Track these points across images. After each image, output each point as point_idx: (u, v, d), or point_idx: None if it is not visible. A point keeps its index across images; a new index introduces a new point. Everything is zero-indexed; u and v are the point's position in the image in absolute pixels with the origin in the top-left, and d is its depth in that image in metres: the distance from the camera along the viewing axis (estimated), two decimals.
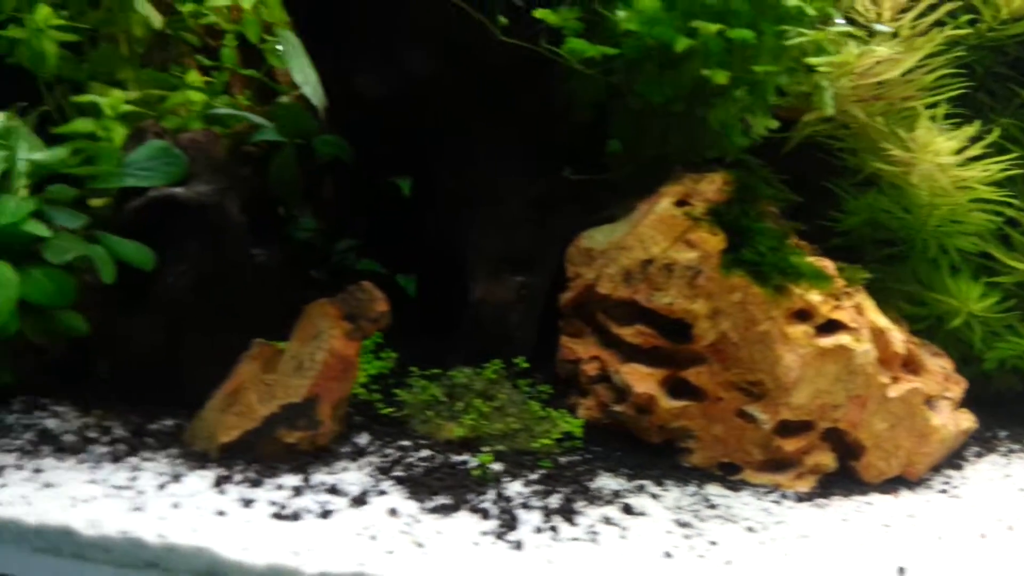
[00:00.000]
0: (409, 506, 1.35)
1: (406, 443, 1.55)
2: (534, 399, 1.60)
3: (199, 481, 1.41)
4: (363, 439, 1.56)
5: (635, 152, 1.69)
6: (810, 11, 1.47)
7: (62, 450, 1.49)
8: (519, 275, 1.62)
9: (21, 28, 1.81)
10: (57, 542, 1.27)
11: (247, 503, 1.34)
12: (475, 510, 1.36)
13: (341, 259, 1.82)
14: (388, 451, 1.52)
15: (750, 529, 1.40)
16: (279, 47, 2.05)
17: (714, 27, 1.39)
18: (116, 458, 1.47)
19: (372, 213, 1.79)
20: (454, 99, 1.62)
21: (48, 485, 1.38)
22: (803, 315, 1.50)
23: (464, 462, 1.50)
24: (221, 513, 1.31)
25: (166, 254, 1.64)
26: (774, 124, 1.71)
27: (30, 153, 1.60)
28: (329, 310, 1.49)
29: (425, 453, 1.52)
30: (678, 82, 1.55)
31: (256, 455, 1.48)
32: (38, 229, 1.49)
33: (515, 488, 1.43)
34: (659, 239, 1.50)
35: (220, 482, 1.40)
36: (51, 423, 1.59)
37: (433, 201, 1.69)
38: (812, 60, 1.52)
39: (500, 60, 1.54)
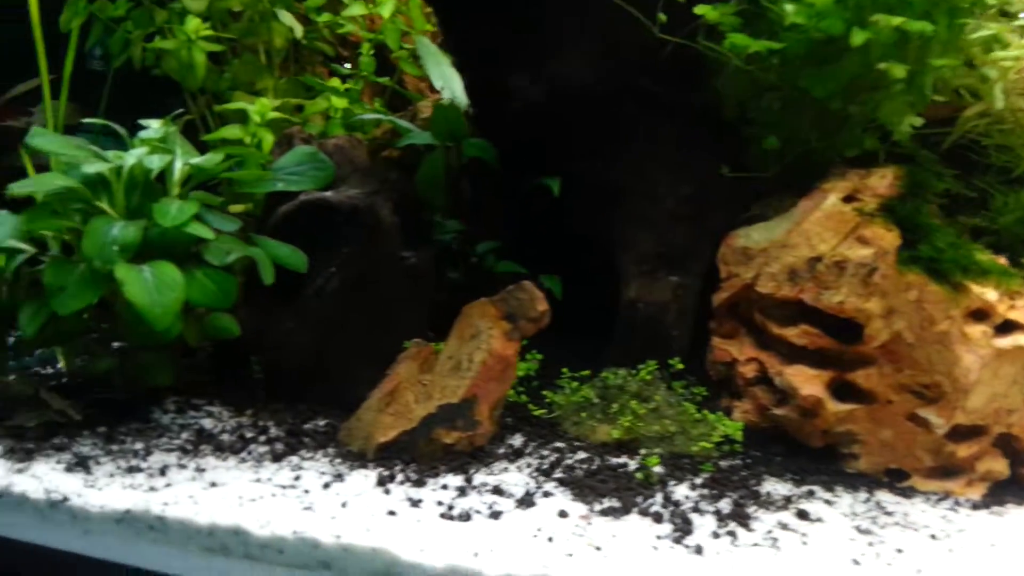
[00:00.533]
0: (578, 508, 1.29)
1: (560, 445, 1.50)
2: (688, 401, 1.53)
3: (363, 480, 1.37)
4: (517, 440, 1.51)
5: (782, 150, 1.62)
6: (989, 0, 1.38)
7: (221, 449, 1.47)
8: (674, 275, 1.55)
9: (171, 39, 1.82)
10: (228, 542, 1.24)
11: (415, 503, 1.30)
12: (645, 513, 1.29)
13: (480, 261, 1.77)
14: (544, 452, 1.47)
15: (933, 537, 1.30)
16: (410, 55, 2.03)
17: (895, 20, 1.31)
18: (276, 457, 1.44)
19: (513, 215, 1.75)
20: (609, 98, 1.57)
21: (213, 484, 1.36)
22: (980, 315, 1.40)
23: (623, 465, 1.43)
24: (392, 513, 1.27)
25: (316, 257, 1.62)
26: (919, 122, 1.63)
27: (187, 158, 1.59)
28: (489, 310, 1.44)
29: (582, 455, 1.46)
30: (839, 77, 1.48)
31: (413, 455, 1.43)
32: (202, 231, 1.47)
33: (682, 492, 1.36)
34: (827, 236, 1.42)
35: (383, 482, 1.36)
36: (207, 423, 1.57)
37: (579, 201, 1.64)
38: (997, 55, 1.43)
39: (657, 57, 1.49)
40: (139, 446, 1.48)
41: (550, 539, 1.20)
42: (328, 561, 1.20)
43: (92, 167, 1.47)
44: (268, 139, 1.74)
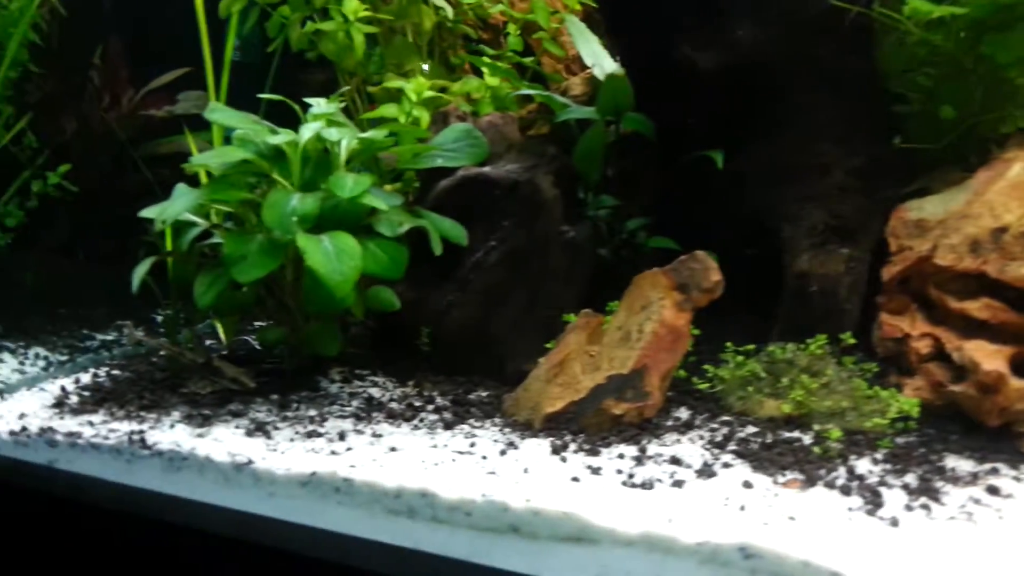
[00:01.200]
0: (761, 480, 1.24)
1: (728, 418, 1.45)
2: (859, 377, 1.46)
3: (537, 449, 1.34)
4: (683, 413, 1.47)
5: (951, 122, 1.54)
6: None
7: (393, 416, 1.46)
8: (845, 247, 1.49)
9: (330, 21, 1.82)
10: (415, 505, 1.23)
11: (595, 471, 1.27)
12: (830, 486, 1.23)
13: (629, 238, 1.73)
14: (714, 425, 1.42)
15: None
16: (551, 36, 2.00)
17: None
18: (447, 425, 1.43)
19: (666, 190, 1.70)
20: (779, 67, 1.52)
21: (393, 449, 1.35)
22: None
23: (797, 439, 1.38)
24: (575, 479, 1.24)
25: (474, 231, 1.61)
26: None
27: (352, 134, 1.59)
28: (660, 280, 1.40)
29: (752, 429, 1.41)
30: (1020, 44, 1.40)
31: (581, 426, 1.40)
32: (376, 202, 1.47)
33: (864, 466, 1.30)
34: (1012, 206, 1.34)
35: (557, 450, 1.33)
36: (374, 392, 1.57)
37: (739, 174, 1.59)
38: None
39: (829, 25, 1.43)
40: (312, 413, 1.48)
41: (742, 508, 1.16)
42: (517, 525, 1.18)
43: (275, 139, 1.48)
44: (425, 117, 1.73)
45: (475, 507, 1.20)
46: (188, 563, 1.38)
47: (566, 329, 1.46)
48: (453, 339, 1.62)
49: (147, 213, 1.62)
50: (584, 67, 2.00)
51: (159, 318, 2.38)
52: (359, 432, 1.41)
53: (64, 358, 1.96)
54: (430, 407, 1.49)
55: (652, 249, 1.72)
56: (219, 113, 1.59)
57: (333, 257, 1.41)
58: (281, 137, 1.49)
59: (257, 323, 1.94)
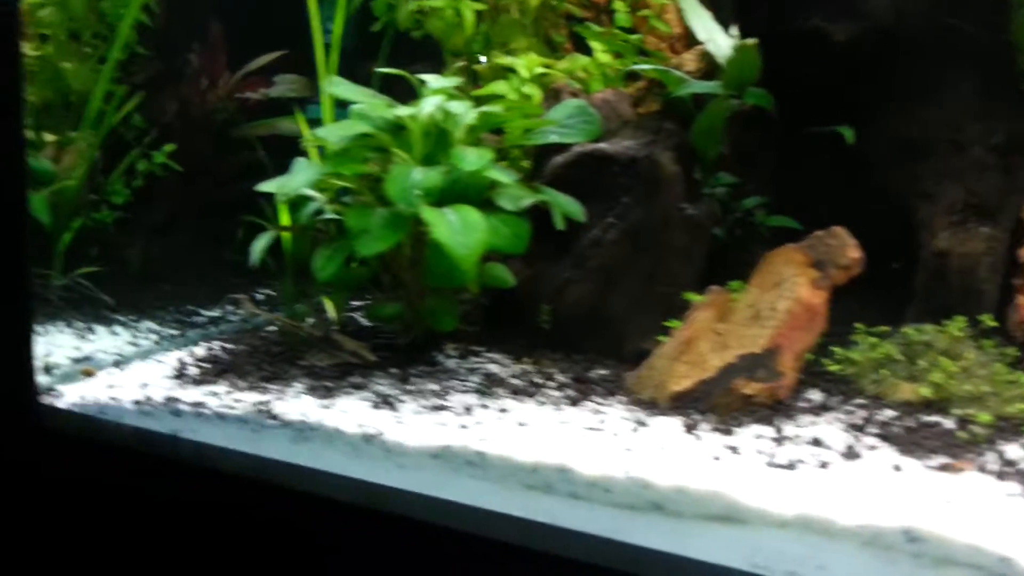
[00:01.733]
0: (910, 463, 1.18)
1: (862, 401, 1.38)
2: (998, 361, 1.39)
3: (669, 427, 1.29)
4: (815, 395, 1.40)
5: None
6: None
7: (517, 392, 1.42)
8: (985, 226, 1.41)
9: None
10: (552, 480, 1.19)
11: (733, 450, 1.21)
12: (982, 470, 1.17)
13: (745, 216, 1.67)
14: (849, 408, 1.35)
15: None
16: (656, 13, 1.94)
17: None
18: (573, 402, 1.38)
19: (786, 166, 1.64)
20: (915, 39, 1.44)
21: (522, 424, 1.31)
22: None
23: (937, 423, 1.31)
24: (716, 458, 1.19)
25: (591, 207, 1.56)
26: None
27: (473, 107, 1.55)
28: (795, 256, 1.34)
29: (890, 412, 1.33)
30: None
31: (709, 406, 1.35)
32: (500, 176, 1.42)
33: (1015, 451, 1.22)
34: None
35: (690, 429, 1.28)
36: (492, 368, 1.53)
37: (873, 150, 1.51)
38: None
39: None
40: (434, 387, 1.45)
41: (897, 491, 1.09)
42: (660, 502, 1.13)
43: (397, 113, 1.45)
44: (536, 94, 1.69)
45: (615, 484, 1.15)
46: (313, 531, 1.36)
47: (693, 306, 1.40)
48: (569, 316, 1.57)
49: (266, 187, 1.60)
50: (687, 45, 1.94)
51: (260, 296, 2.39)
52: (484, 407, 1.37)
53: (175, 332, 1.96)
54: (551, 383, 1.45)
55: (767, 228, 1.65)
56: (340, 87, 1.56)
57: (459, 230, 1.37)
58: (404, 110, 1.46)
59: (364, 300, 1.91)
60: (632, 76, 1.83)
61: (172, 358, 1.74)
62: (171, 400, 1.48)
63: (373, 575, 1.26)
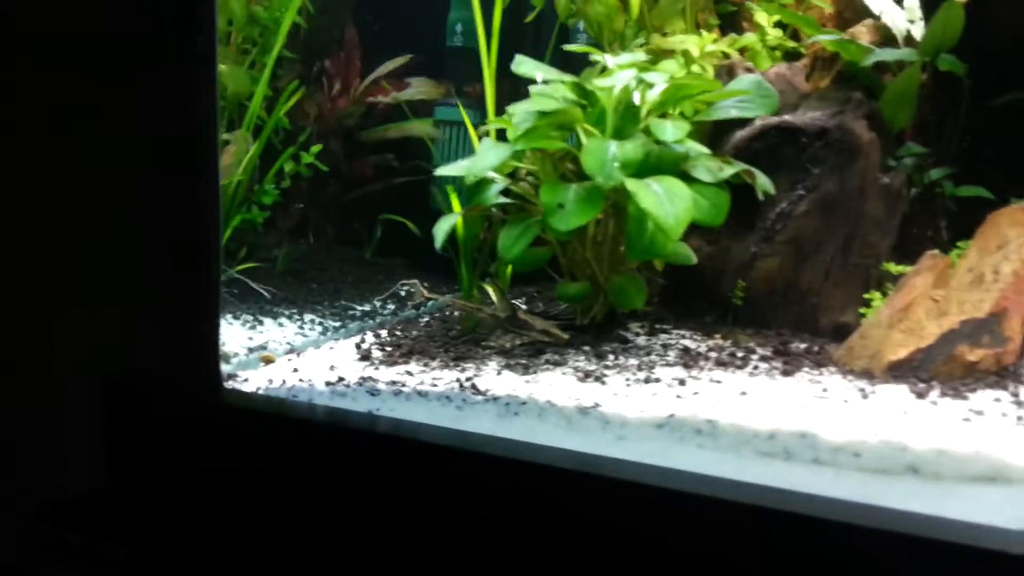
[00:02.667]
0: None
1: None
2: None
3: (897, 394, 1.22)
4: None
5: None
6: None
7: (723, 365, 1.36)
8: None
9: None
10: (791, 446, 1.12)
11: (978, 413, 1.13)
12: None
13: (931, 186, 1.58)
14: None
15: None
16: None
17: None
18: (786, 373, 1.31)
19: (976, 135, 1.55)
20: None
21: (743, 393, 1.25)
22: None
23: None
24: (965, 420, 1.11)
25: (777, 180, 1.49)
26: None
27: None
28: (1020, 217, 1.26)
29: None
30: None
31: (930, 373, 1.27)
32: (698, 147, 1.37)
33: None
34: None
35: (921, 395, 1.20)
36: (687, 344, 1.47)
37: None
38: None
39: None
40: (634, 362, 1.39)
41: None
42: (916, 465, 1.05)
43: (591, 86, 1.40)
44: (709, 71, 1.63)
45: (866, 448, 1.08)
46: (525, 503, 1.31)
47: (910, 272, 1.33)
48: (759, 292, 1.51)
49: (449, 170, 1.57)
50: (837, 24, 1.87)
51: (403, 291, 2.37)
52: (695, 379, 1.31)
53: (337, 324, 1.94)
54: (755, 356, 1.38)
55: (952, 199, 1.57)
56: (524, 65, 1.53)
57: (665, 200, 1.32)
58: (600, 83, 1.42)
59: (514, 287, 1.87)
60: (792, 54, 1.77)
61: (344, 346, 1.72)
62: (366, 380, 1.44)
63: (601, 544, 1.20)
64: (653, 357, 1.41)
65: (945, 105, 1.57)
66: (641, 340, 1.49)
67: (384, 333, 1.80)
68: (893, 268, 1.43)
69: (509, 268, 1.72)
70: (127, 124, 1.54)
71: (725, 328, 1.51)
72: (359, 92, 2.61)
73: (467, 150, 2.68)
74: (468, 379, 1.37)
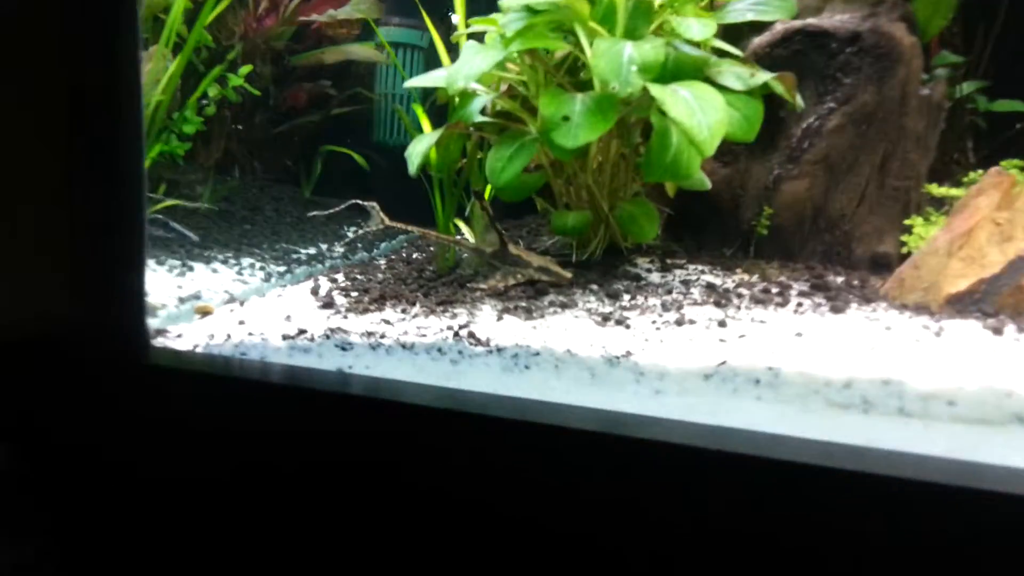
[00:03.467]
0: None
1: None
2: None
3: (971, 331, 1.03)
4: None
5: None
6: None
7: (761, 302, 1.15)
8: None
9: None
10: (871, 395, 0.92)
11: None
12: None
13: (963, 99, 1.40)
14: None
15: None
16: None
17: None
18: (836, 310, 1.11)
19: (1012, 46, 1.38)
20: None
21: (798, 335, 1.04)
22: None
23: None
24: None
25: (803, 92, 1.28)
26: None
27: None
28: None
29: None
30: None
31: (996, 306, 1.09)
32: (728, 48, 1.14)
33: None
34: None
35: (996, 331, 1.02)
36: (709, 279, 1.25)
37: None
38: None
39: None
40: (655, 302, 1.17)
41: None
42: (1021, 413, 0.87)
43: None
44: None
45: (963, 396, 0.89)
46: (542, 478, 1.08)
47: (970, 191, 1.14)
48: (785, 219, 1.30)
49: (425, 81, 1.30)
50: None
51: (349, 233, 2.08)
52: (734, 319, 1.09)
53: (281, 268, 1.65)
54: (792, 292, 1.18)
55: (982, 114, 1.39)
56: None
57: (696, 109, 1.08)
58: None
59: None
60: None
61: (296, 292, 1.44)
62: (333, 332, 1.18)
63: (645, 528, 0.98)
64: (675, 296, 1.18)
65: (979, 11, 1.38)
66: (655, 276, 1.27)
67: (340, 277, 1.52)
68: (936, 190, 1.24)
69: (485, 197, 1.47)
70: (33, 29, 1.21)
71: (747, 261, 1.30)
72: (289, 10, 2.27)
73: (414, 73, 2.39)
74: (462, 327, 1.12)
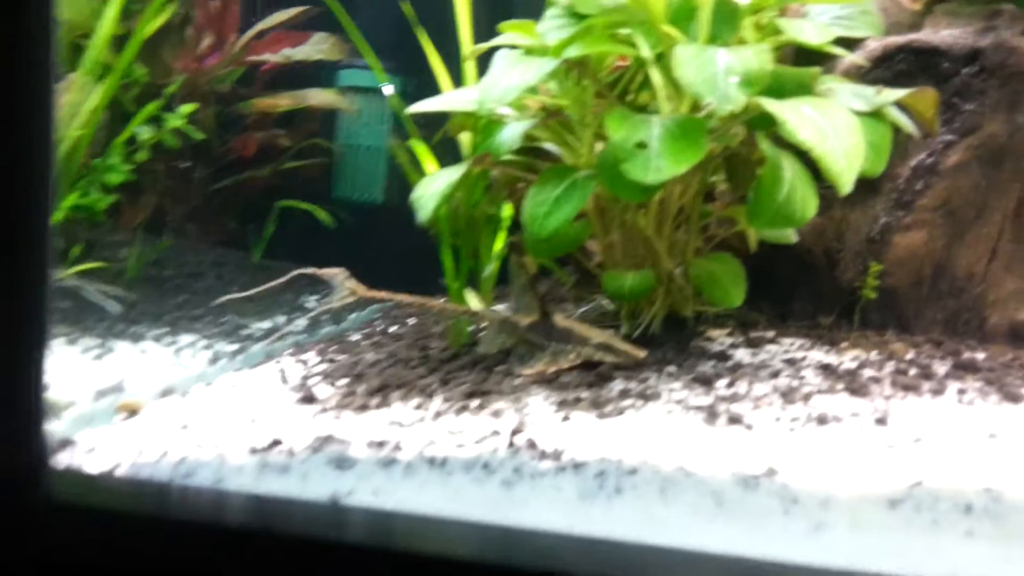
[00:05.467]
0: None
1: None
2: None
3: None
4: None
5: None
6: None
7: (906, 388, 0.84)
8: None
9: None
10: None
11: None
12: None
13: None
14: None
15: None
16: None
17: None
18: (1011, 398, 0.81)
19: None
20: None
21: (991, 436, 0.73)
22: None
23: None
24: None
25: None
26: None
27: None
28: None
29: None
30: None
31: None
32: (848, 55, 0.86)
33: None
34: None
35: None
36: (817, 357, 0.94)
37: None
38: None
39: None
40: (764, 390, 0.85)
41: None
42: None
43: None
44: None
45: None
46: None
47: None
48: (897, 279, 1.01)
49: (438, 104, 0.98)
50: None
51: (310, 303, 1.71)
52: (890, 415, 0.78)
53: (233, 347, 1.27)
54: (937, 374, 0.88)
55: None
56: None
57: (829, 131, 0.79)
58: None
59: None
60: None
61: (256, 379, 1.08)
62: (323, 441, 0.82)
63: None
64: (787, 380, 0.87)
65: None
66: (742, 354, 0.95)
67: (313, 358, 1.17)
68: None
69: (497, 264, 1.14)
70: None
71: (854, 333, 1.00)
72: (237, 49, 1.94)
73: (383, 123, 2.07)
74: (515, 432, 0.78)
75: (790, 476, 0.69)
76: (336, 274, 1.03)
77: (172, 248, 1.77)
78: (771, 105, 0.80)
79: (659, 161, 0.82)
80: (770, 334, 1.01)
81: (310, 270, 1.02)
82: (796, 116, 0.79)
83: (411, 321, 1.48)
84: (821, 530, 0.66)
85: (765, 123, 0.86)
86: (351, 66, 1.97)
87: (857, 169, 0.79)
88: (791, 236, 1.02)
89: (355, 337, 1.36)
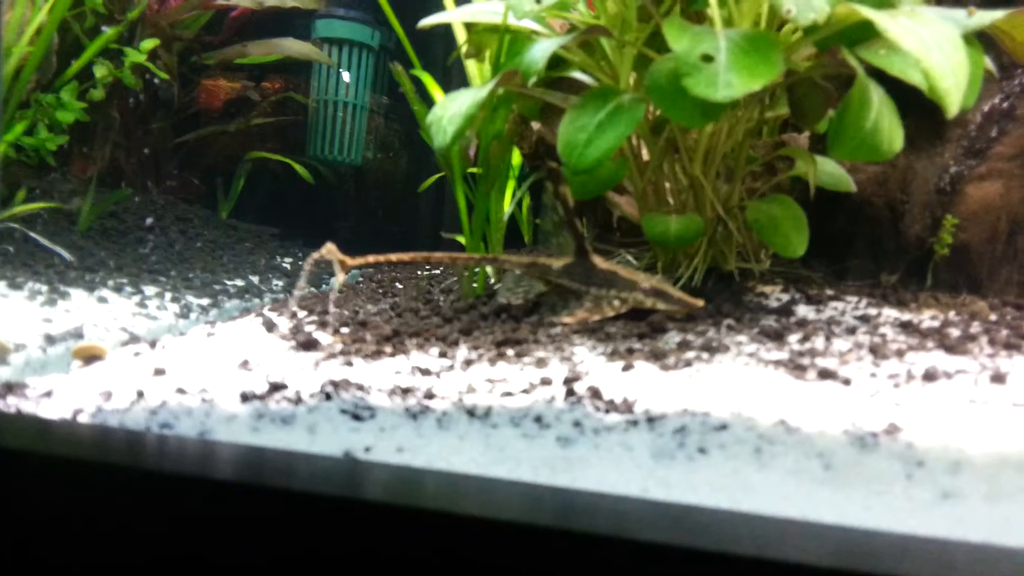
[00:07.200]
0: None
1: None
2: None
3: None
4: None
5: None
6: None
7: (1010, 347, 0.74)
8: None
9: None
10: None
11: None
12: None
13: None
14: None
15: None
16: None
17: None
18: None
19: None
20: None
21: None
22: None
23: None
24: None
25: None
26: None
27: None
28: None
29: None
30: None
31: None
32: None
33: None
34: None
35: None
36: (892, 314, 0.83)
37: None
38: None
39: None
40: (846, 345, 0.74)
41: None
42: None
43: None
44: None
45: None
46: None
47: None
48: (970, 235, 0.91)
49: (452, 16, 0.84)
50: None
51: (285, 264, 1.55)
52: (1007, 372, 0.67)
53: (205, 301, 1.11)
54: (999, 335, 0.78)
55: None
56: None
57: (932, 44, 0.68)
58: None
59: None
60: None
61: (236, 329, 0.93)
62: (338, 387, 0.68)
63: None
64: (865, 336, 0.76)
65: None
66: (804, 310, 0.84)
67: (300, 313, 1.02)
68: None
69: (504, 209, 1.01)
70: None
71: (924, 293, 0.89)
72: None
73: (364, 79, 1.90)
74: (570, 380, 0.65)
75: (911, 435, 0.58)
76: (333, 251, 0.88)
77: (131, 202, 1.59)
78: (869, 12, 0.68)
79: (728, 75, 0.70)
80: (828, 292, 0.90)
81: (315, 254, 0.86)
82: (897, 25, 0.68)
83: (399, 286, 1.34)
84: (951, 499, 0.55)
85: (849, 38, 0.75)
86: (328, 15, 1.81)
87: (963, 89, 0.69)
88: (851, 184, 0.91)
89: (340, 295, 1.21)
